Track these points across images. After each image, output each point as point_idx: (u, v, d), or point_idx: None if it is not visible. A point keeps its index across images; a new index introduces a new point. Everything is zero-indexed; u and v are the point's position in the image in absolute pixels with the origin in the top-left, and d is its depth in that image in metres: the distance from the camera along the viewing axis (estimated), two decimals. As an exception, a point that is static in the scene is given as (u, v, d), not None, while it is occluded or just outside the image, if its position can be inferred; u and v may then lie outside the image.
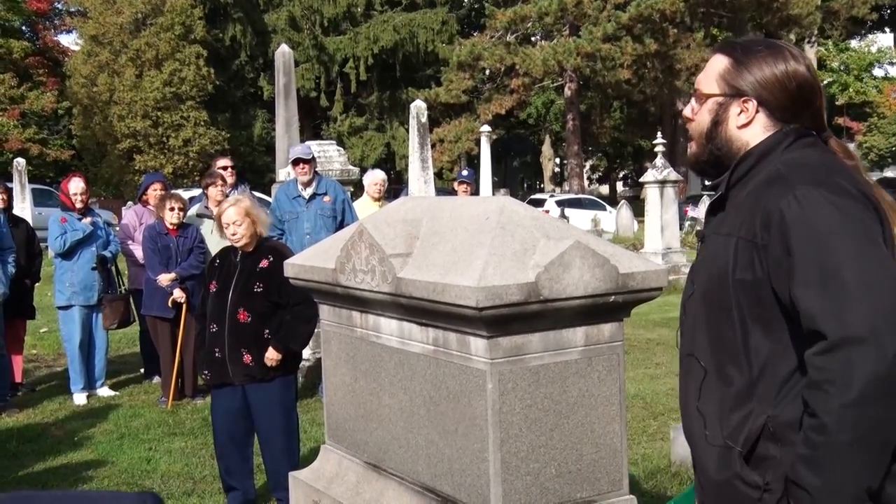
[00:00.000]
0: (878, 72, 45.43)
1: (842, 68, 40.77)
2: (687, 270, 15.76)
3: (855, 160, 1.88)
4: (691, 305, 1.94)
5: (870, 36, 44.29)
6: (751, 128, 1.87)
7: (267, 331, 4.15)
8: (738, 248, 1.77)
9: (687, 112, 1.98)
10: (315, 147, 8.09)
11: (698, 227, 24.29)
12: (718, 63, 1.91)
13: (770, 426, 1.74)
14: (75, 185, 6.96)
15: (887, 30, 44.67)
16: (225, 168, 7.45)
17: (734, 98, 1.87)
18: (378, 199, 7.81)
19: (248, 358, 4.12)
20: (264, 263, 4.19)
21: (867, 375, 1.59)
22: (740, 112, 1.87)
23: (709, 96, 1.91)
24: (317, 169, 7.24)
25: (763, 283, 1.74)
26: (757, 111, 1.86)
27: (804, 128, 1.87)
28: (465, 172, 9.19)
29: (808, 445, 1.65)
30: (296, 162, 6.94)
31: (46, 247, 8.74)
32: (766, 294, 1.74)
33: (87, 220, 7.01)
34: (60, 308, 7.01)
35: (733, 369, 1.80)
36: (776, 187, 1.74)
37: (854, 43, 42.52)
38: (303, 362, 6.12)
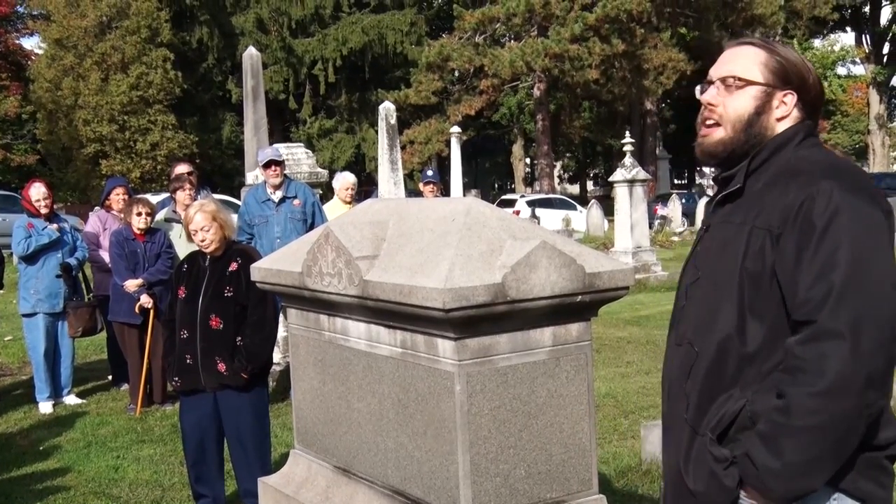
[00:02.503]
0: (840, 70, 46.20)
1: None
2: (657, 268, 15.84)
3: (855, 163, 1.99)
4: (695, 291, 1.94)
5: (832, 36, 44.98)
6: (786, 121, 1.91)
7: (239, 338, 4.11)
8: (752, 236, 1.80)
9: (710, 98, 1.95)
10: (283, 150, 8.03)
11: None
12: (755, 53, 1.92)
13: (747, 412, 1.77)
14: (37, 191, 6.86)
15: (848, 29, 45.39)
16: (183, 174, 7.33)
17: (776, 90, 1.90)
18: (349, 203, 7.77)
19: (221, 366, 4.08)
20: (233, 267, 4.15)
21: (838, 370, 1.63)
22: (779, 105, 1.90)
23: (750, 83, 1.91)
24: (286, 172, 7.19)
25: (769, 274, 1.77)
26: (794, 106, 1.90)
27: (812, 126, 1.92)
28: (429, 173, 9.13)
29: (768, 424, 1.71)
30: (267, 164, 6.88)
31: (11, 254, 8.59)
32: (770, 284, 1.77)
33: (54, 226, 6.91)
34: (25, 316, 6.90)
35: (725, 356, 1.83)
36: (799, 180, 1.77)
37: (817, 42, 43.14)
38: (274, 366, 6.07)
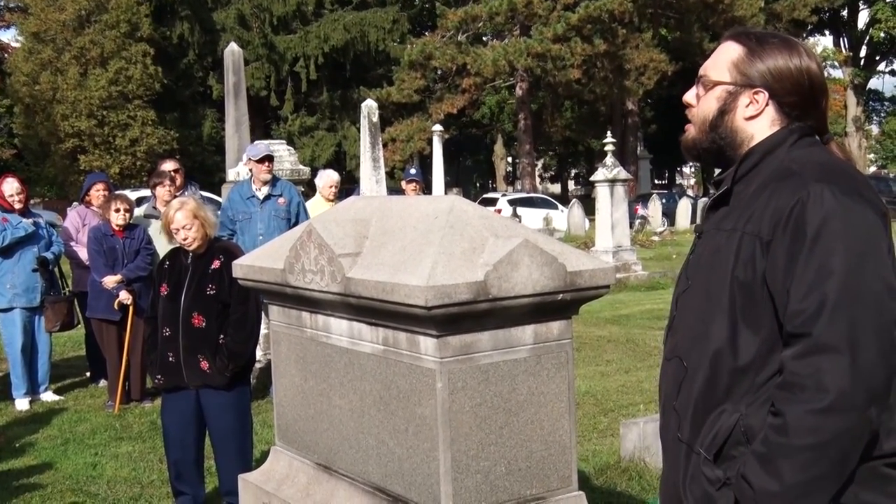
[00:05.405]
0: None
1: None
2: (637, 268, 15.90)
3: (853, 164, 1.86)
4: (685, 300, 1.87)
5: (811, 39, 45.43)
6: (758, 120, 1.83)
7: (222, 336, 4.09)
8: (742, 243, 1.72)
9: (689, 97, 1.92)
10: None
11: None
12: (731, 50, 1.85)
13: (741, 427, 1.71)
14: (10, 187, 6.79)
15: (827, 32, 45.86)
16: (171, 171, 7.28)
17: (745, 88, 1.82)
18: (332, 200, 7.76)
19: (204, 364, 4.06)
20: (216, 264, 4.13)
21: (837, 387, 1.57)
22: (749, 103, 1.82)
23: (717, 83, 1.85)
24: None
25: (760, 282, 1.69)
26: (767, 104, 1.82)
27: (809, 126, 1.83)
28: (412, 171, 9.14)
29: (765, 444, 1.64)
30: (261, 160, 6.81)
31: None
32: (762, 293, 1.70)
33: (29, 221, 6.85)
34: (1, 311, 6.83)
35: (716, 368, 1.76)
36: (789, 184, 1.70)
37: (797, 45, 43.55)
38: (255, 364, 6.05)
